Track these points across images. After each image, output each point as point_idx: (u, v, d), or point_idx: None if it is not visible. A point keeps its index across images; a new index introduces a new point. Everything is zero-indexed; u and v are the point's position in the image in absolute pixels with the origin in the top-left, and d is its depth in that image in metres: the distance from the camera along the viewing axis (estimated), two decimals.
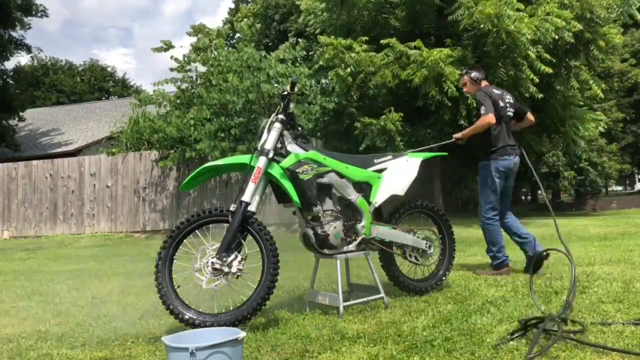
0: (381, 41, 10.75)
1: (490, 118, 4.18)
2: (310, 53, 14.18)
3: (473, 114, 10.46)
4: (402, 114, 10.78)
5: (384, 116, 10.81)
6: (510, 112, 4.36)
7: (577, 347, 2.26)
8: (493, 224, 4.30)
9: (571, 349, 2.25)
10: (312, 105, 10.67)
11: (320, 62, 11.46)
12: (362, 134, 11.31)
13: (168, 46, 11.34)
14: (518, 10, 9.86)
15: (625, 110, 20.60)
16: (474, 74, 4.45)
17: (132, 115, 12.50)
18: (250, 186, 3.02)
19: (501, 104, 4.29)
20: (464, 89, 4.61)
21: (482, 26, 9.67)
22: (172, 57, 11.48)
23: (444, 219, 3.79)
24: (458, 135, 4.50)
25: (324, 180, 3.19)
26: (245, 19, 13.57)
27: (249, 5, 24.59)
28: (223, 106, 10.61)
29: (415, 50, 10.39)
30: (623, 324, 2.52)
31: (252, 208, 3.02)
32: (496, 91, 4.38)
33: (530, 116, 4.57)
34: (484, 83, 4.48)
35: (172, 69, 11.46)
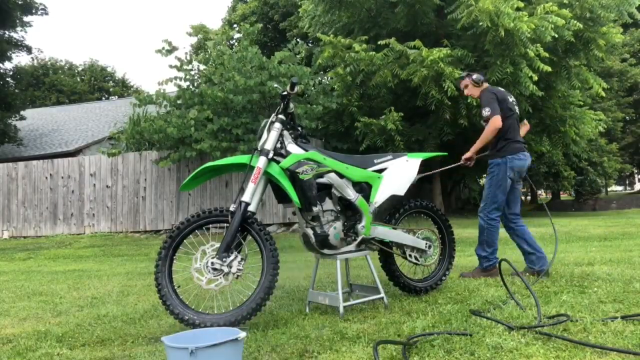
0: (379, 42, 10.77)
1: (496, 121, 4.01)
2: (313, 53, 14.20)
3: (473, 113, 10.48)
4: (402, 114, 10.79)
5: (384, 116, 10.83)
6: (517, 110, 4.26)
7: (577, 347, 2.27)
8: (495, 225, 4.12)
9: (571, 348, 2.25)
10: (314, 106, 10.66)
11: (320, 61, 11.48)
12: (363, 134, 11.32)
13: (170, 47, 11.34)
14: (518, 9, 9.87)
15: (625, 110, 20.60)
16: (475, 76, 4.29)
17: (132, 116, 12.50)
18: (250, 186, 3.02)
19: (510, 99, 4.18)
20: (466, 92, 4.41)
21: (481, 24, 9.67)
22: (176, 57, 11.47)
23: (443, 218, 3.79)
24: (467, 155, 4.30)
25: (324, 180, 3.19)
26: (246, 20, 13.56)
27: (247, 3, 24.55)
28: (225, 106, 10.60)
29: (414, 50, 10.40)
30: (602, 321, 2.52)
31: (252, 208, 3.02)
32: (502, 89, 4.27)
33: (526, 123, 4.56)
34: (485, 85, 4.32)
35: (171, 66, 11.46)
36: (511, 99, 4.26)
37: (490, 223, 4.11)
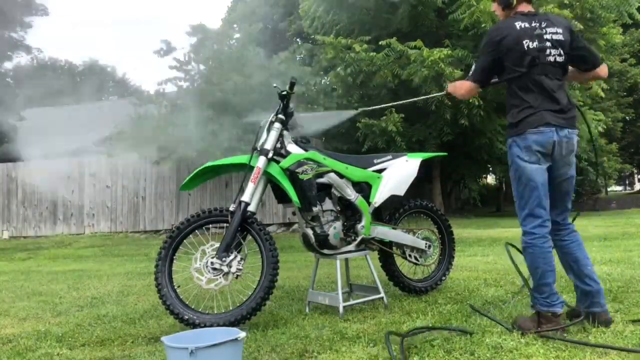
0: (380, 42, 10.77)
1: (468, 90, 2.82)
2: (315, 55, 14.21)
3: (474, 113, 10.49)
4: (402, 115, 10.79)
5: (384, 117, 10.83)
6: (553, 57, 2.58)
7: (576, 347, 2.27)
8: (534, 242, 2.55)
9: (571, 348, 2.25)
10: (315, 107, 10.66)
11: (323, 62, 11.49)
12: (364, 135, 11.32)
13: (169, 47, 11.34)
14: None
15: (625, 110, 20.59)
16: None
17: (132, 116, 12.49)
18: (250, 186, 3.02)
19: (530, 44, 2.56)
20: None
21: (483, 25, 9.67)
22: (174, 58, 11.47)
23: (443, 218, 3.79)
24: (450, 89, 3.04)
25: (324, 180, 3.19)
26: (245, 20, 13.56)
27: (247, 3, 24.54)
28: (224, 105, 10.59)
29: (415, 50, 10.41)
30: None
31: (251, 208, 3.02)
32: (523, 24, 2.59)
33: (599, 72, 2.74)
34: (522, 8, 2.70)
35: (171, 67, 11.46)
36: (550, 31, 2.60)
37: (527, 240, 2.58)
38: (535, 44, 2.57)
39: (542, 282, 2.53)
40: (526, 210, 2.59)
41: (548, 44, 2.58)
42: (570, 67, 2.71)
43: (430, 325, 2.74)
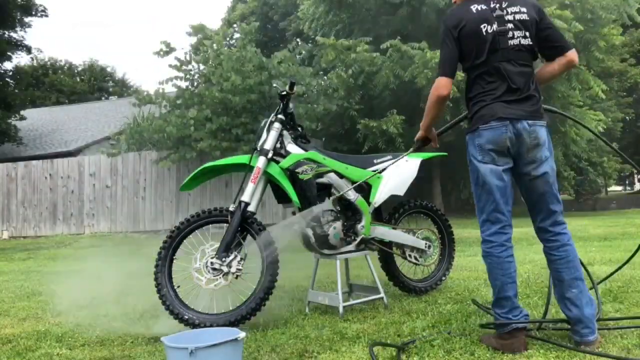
0: (382, 45, 10.77)
1: (437, 87, 2.42)
2: (314, 55, 14.24)
3: None
4: (403, 117, 10.80)
5: (385, 118, 10.83)
6: (517, 40, 2.30)
7: (577, 347, 2.26)
8: (491, 251, 2.32)
9: (571, 349, 2.24)
10: (315, 106, 10.66)
11: (323, 64, 11.49)
12: (364, 136, 11.33)
13: (168, 48, 11.33)
14: None
15: (625, 110, 20.58)
16: None
17: (132, 115, 12.50)
18: (250, 186, 3.02)
19: (488, 27, 2.29)
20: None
21: None
22: (175, 58, 11.47)
23: (443, 219, 3.79)
24: (418, 135, 2.77)
25: (324, 180, 3.19)
26: (245, 20, 13.56)
27: (247, 3, 24.55)
28: (224, 105, 10.60)
29: (418, 50, 10.41)
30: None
31: (251, 208, 3.02)
32: (480, 6, 2.33)
33: (570, 56, 2.34)
34: None
35: (170, 66, 11.46)
36: (511, 10, 2.32)
37: (484, 249, 2.36)
38: (495, 26, 2.27)
39: (501, 296, 2.28)
40: (483, 215, 2.33)
41: (510, 25, 2.28)
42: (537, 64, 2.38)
43: (430, 325, 2.74)
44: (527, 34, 2.30)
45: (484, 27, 2.29)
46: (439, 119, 2.53)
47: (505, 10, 2.31)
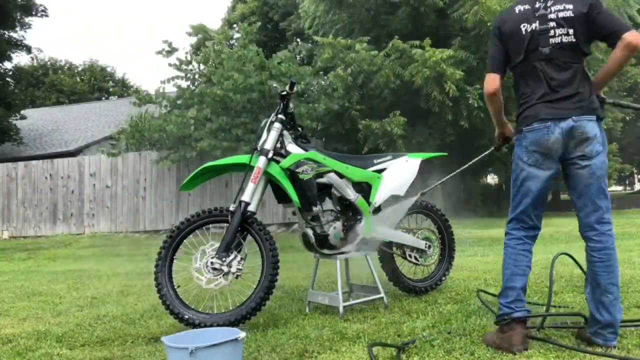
0: (383, 45, 10.76)
1: (487, 83, 2.45)
2: (314, 54, 14.24)
3: (474, 114, 10.48)
4: (405, 119, 10.79)
5: (387, 119, 10.82)
6: (559, 39, 2.30)
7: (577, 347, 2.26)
8: (509, 242, 2.46)
9: (570, 350, 2.24)
10: (316, 105, 10.65)
11: (320, 63, 11.48)
12: (364, 136, 11.32)
13: (170, 48, 11.35)
14: None
15: (625, 110, 20.59)
16: None
17: (132, 115, 12.50)
18: (250, 186, 3.02)
19: (527, 27, 2.34)
20: None
21: (489, 24, 9.68)
22: (177, 58, 11.48)
23: (443, 219, 3.79)
24: (496, 132, 2.75)
25: (324, 180, 3.19)
26: (245, 20, 13.57)
27: (247, 3, 24.54)
28: (224, 105, 10.60)
29: (418, 49, 10.41)
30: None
31: (251, 208, 3.02)
32: (524, 7, 2.39)
33: (628, 38, 2.20)
34: None
35: (171, 65, 11.47)
36: (554, 9, 2.32)
37: (505, 241, 2.51)
38: (535, 25, 2.31)
39: (508, 285, 2.37)
40: (513, 214, 2.43)
41: (552, 24, 2.29)
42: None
43: (430, 325, 2.74)
44: (571, 31, 2.29)
45: (524, 26, 2.34)
46: (500, 112, 2.58)
47: (549, 9, 2.32)
